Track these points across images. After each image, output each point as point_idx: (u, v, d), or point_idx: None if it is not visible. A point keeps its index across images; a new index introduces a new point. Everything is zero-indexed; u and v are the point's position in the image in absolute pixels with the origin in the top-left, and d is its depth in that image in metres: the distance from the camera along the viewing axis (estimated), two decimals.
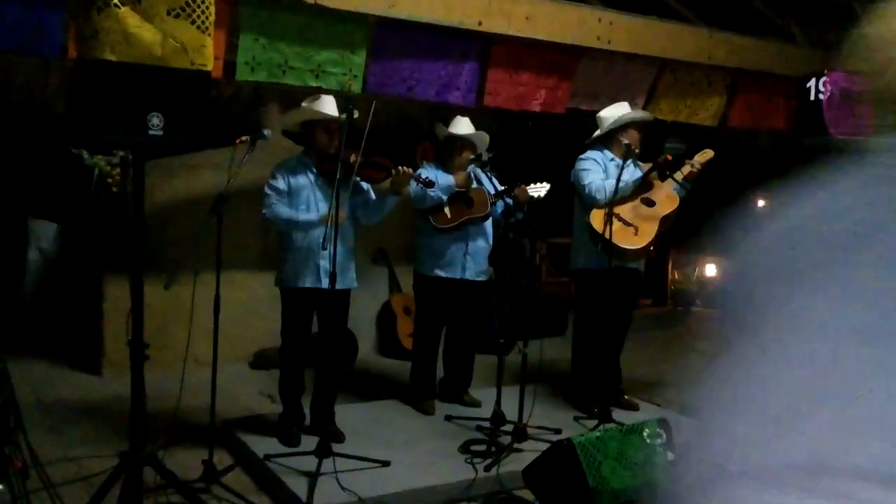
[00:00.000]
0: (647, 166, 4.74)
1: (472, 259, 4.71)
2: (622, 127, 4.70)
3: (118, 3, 2.83)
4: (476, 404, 4.83)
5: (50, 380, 5.28)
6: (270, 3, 3.96)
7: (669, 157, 4.66)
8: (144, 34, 2.87)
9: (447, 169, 4.75)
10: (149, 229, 5.39)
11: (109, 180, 5.31)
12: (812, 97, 5.39)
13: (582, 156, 4.75)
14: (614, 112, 4.74)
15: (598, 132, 4.80)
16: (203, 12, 3.02)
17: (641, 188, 4.57)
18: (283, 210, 4.00)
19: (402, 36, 4.43)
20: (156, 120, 2.67)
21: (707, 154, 4.70)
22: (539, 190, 4.63)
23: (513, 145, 7.77)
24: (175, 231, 5.36)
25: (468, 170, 4.75)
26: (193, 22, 2.98)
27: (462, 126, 4.69)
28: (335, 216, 3.63)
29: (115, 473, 3.11)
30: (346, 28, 4.22)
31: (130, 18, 2.85)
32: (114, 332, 5.15)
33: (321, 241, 3.66)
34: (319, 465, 3.57)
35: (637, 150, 4.67)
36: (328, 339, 4.14)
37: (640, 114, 4.77)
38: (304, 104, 4.08)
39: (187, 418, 4.36)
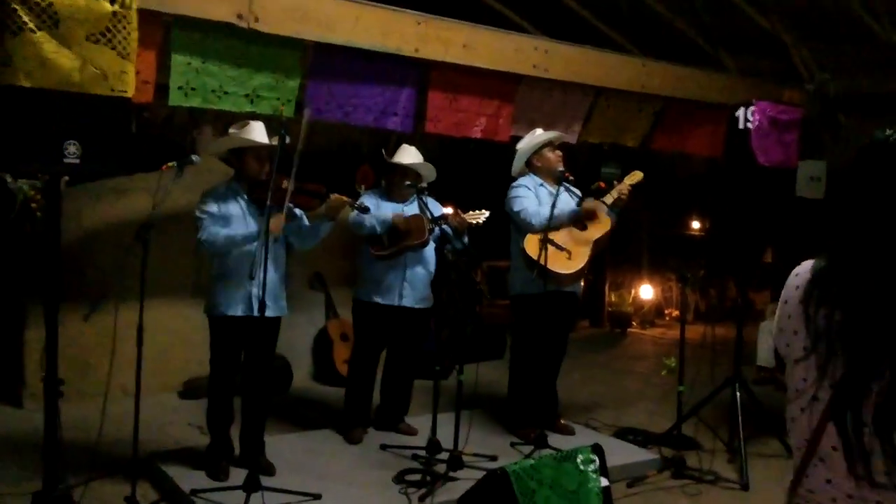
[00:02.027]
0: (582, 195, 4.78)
1: (410, 286, 4.68)
2: (536, 153, 4.80)
3: (34, 28, 2.73)
4: (412, 432, 4.78)
5: None
6: (203, 26, 3.89)
7: (602, 185, 4.73)
8: (62, 60, 2.76)
9: (390, 197, 4.73)
10: (74, 256, 5.24)
11: (34, 205, 5.15)
12: (741, 125, 5.54)
13: (514, 184, 4.80)
14: (526, 141, 4.86)
15: (516, 164, 4.87)
16: (125, 38, 2.94)
17: (576, 220, 4.62)
18: (221, 230, 3.90)
19: (340, 62, 4.40)
20: (72, 147, 2.58)
21: (636, 176, 4.79)
22: (479, 217, 4.63)
23: (455, 170, 7.79)
24: (102, 257, 5.20)
25: (413, 200, 4.71)
26: (114, 48, 2.89)
27: (407, 155, 4.67)
28: (265, 243, 3.57)
29: None
30: (281, 53, 4.18)
31: (47, 44, 2.74)
32: (35, 362, 4.95)
33: (249, 269, 3.59)
34: (247, 499, 3.47)
35: (571, 177, 4.72)
36: (256, 367, 4.05)
37: (548, 134, 4.82)
38: (231, 130, 4.01)
39: (111, 451, 4.21)
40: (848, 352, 1.40)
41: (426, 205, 4.51)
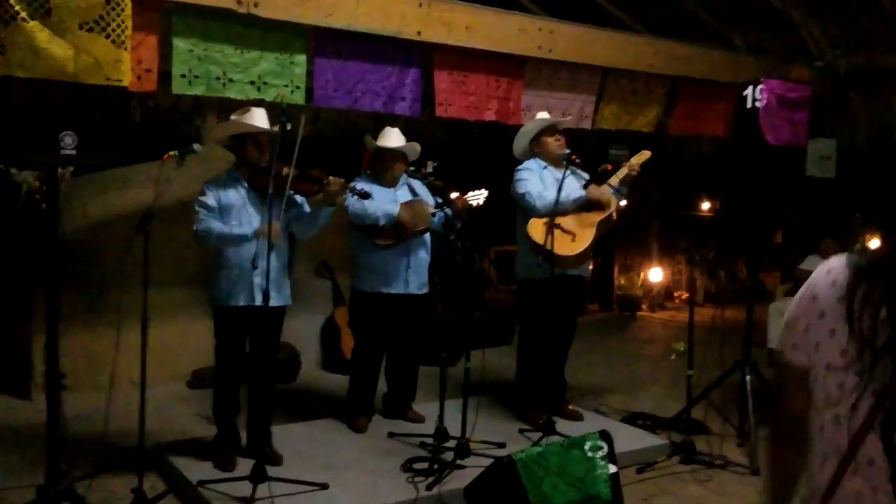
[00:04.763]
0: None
1: (414, 272, 4.64)
2: (534, 138, 4.76)
3: (26, 17, 2.69)
4: (420, 420, 4.76)
5: None
6: (203, 12, 3.83)
7: (609, 167, 4.67)
8: (55, 49, 2.72)
9: (380, 182, 4.66)
10: (81, 247, 5.23)
11: (38, 196, 5.12)
12: (749, 105, 5.44)
13: (518, 167, 4.74)
14: (528, 124, 4.80)
15: (516, 146, 4.83)
16: (118, 26, 2.89)
17: (582, 207, 4.56)
18: (215, 225, 3.86)
19: (343, 46, 4.35)
20: (68, 139, 2.55)
21: (644, 155, 4.72)
22: (477, 198, 4.58)
23: (461, 154, 7.72)
24: (108, 248, 5.18)
25: (403, 184, 4.67)
26: (108, 36, 2.85)
27: (391, 138, 4.60)
28: (268, 232, 3.54)
29: None
30: (284, 38, 4.12)
31: (40, 33, 2.70)
32: (44, 353, 4.95)
33: (252, 259, 3.57)
34: (254, 490, 3.46)
35: (578, 160, 4.65)
36: (261, 357, 4.02)
37: (546, 120, 4.75)
38: (233, 117, 3.96)
39: (118, 443, 4.21)
40: None
41: (415, 190, 4.44)
